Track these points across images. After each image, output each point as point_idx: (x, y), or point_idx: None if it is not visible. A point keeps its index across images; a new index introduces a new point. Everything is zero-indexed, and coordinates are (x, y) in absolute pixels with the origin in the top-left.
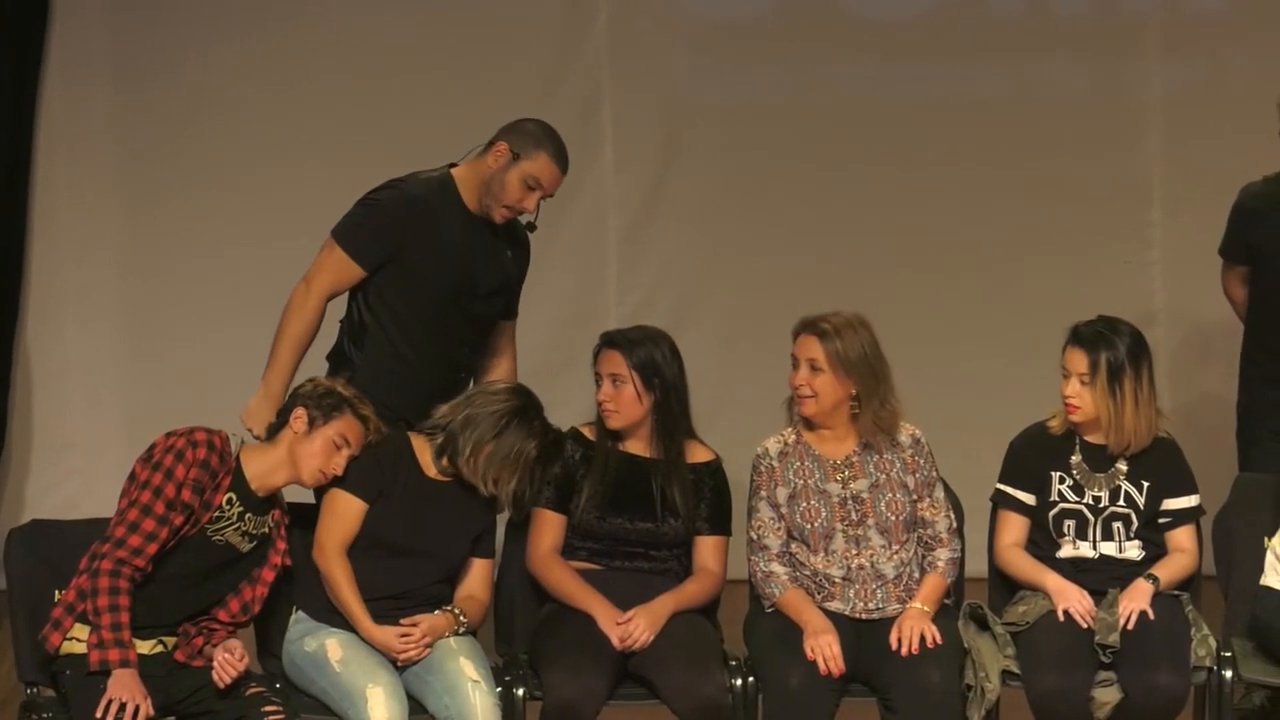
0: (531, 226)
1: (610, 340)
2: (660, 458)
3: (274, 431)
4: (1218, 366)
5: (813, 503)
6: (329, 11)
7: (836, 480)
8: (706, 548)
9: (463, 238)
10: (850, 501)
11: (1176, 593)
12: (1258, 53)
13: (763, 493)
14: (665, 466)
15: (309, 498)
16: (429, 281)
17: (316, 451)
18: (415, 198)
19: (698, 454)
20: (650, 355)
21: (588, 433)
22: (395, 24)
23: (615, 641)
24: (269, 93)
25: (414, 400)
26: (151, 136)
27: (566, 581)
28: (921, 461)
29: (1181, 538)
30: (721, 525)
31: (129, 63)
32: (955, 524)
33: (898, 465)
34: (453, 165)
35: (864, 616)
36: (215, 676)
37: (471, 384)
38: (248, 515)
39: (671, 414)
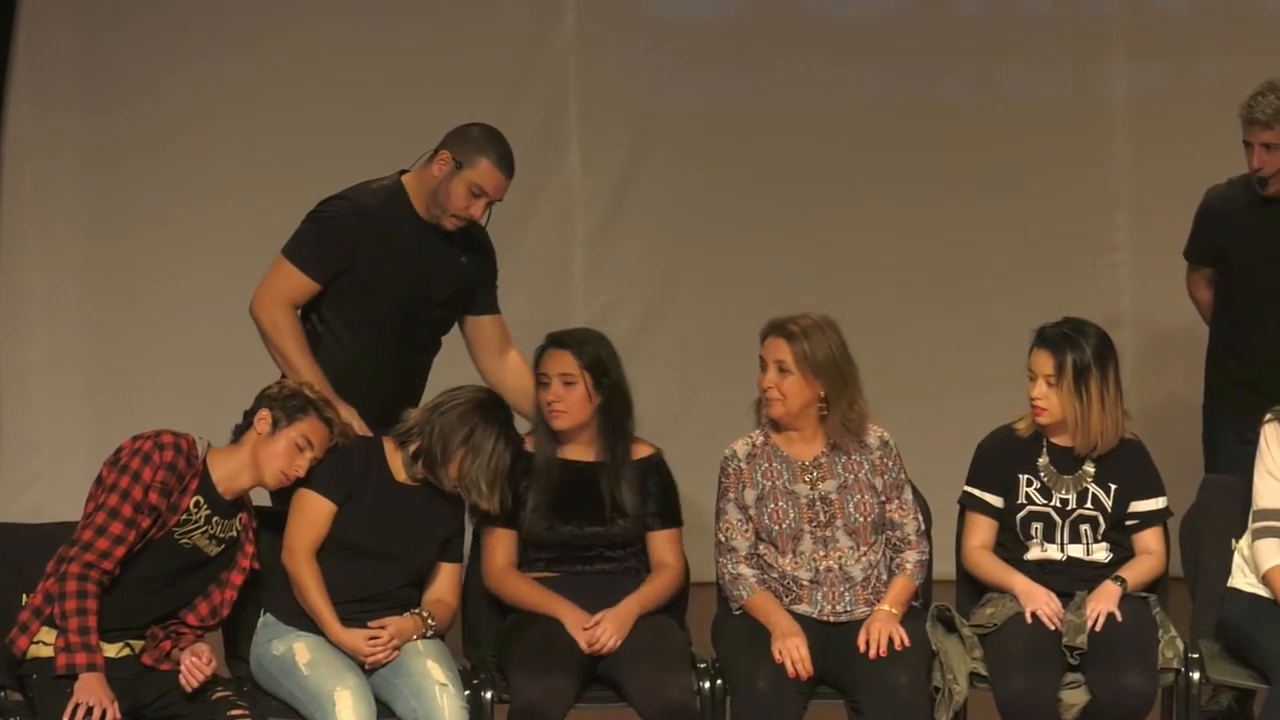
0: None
1: (559, 340)
2: (605, 459)
3: (239, 433)
4: (1183, 369)
5: (781, 504)
6: (294, 22)
7: (805, 481)
8: (661, 542)
9: (415, 246)
10: (819, 503)
11: (1144, 594)
12: (1222, 55)
13: (730, 494)
14: (610, 468)
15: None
16: (383, 291)
17: (279, 453)
18: (366, 208)
19: (638, 451)
20: (598, 354)
21: (526, 444)
22: (362, 30)
23: (583, 645)
24: (236, 99)
25: (367, 409)
26: (118, 145)
27: (527, 592)
28: (890, 463)
29: (1149, 540)
30: (672, 518)
31: (95, 74)
32: (924, 526)
33: (866, 467)
34: (404, 171)
35: (832, 619)
36: (182, 680)
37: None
38: (215, 519)
39: (617, 415)
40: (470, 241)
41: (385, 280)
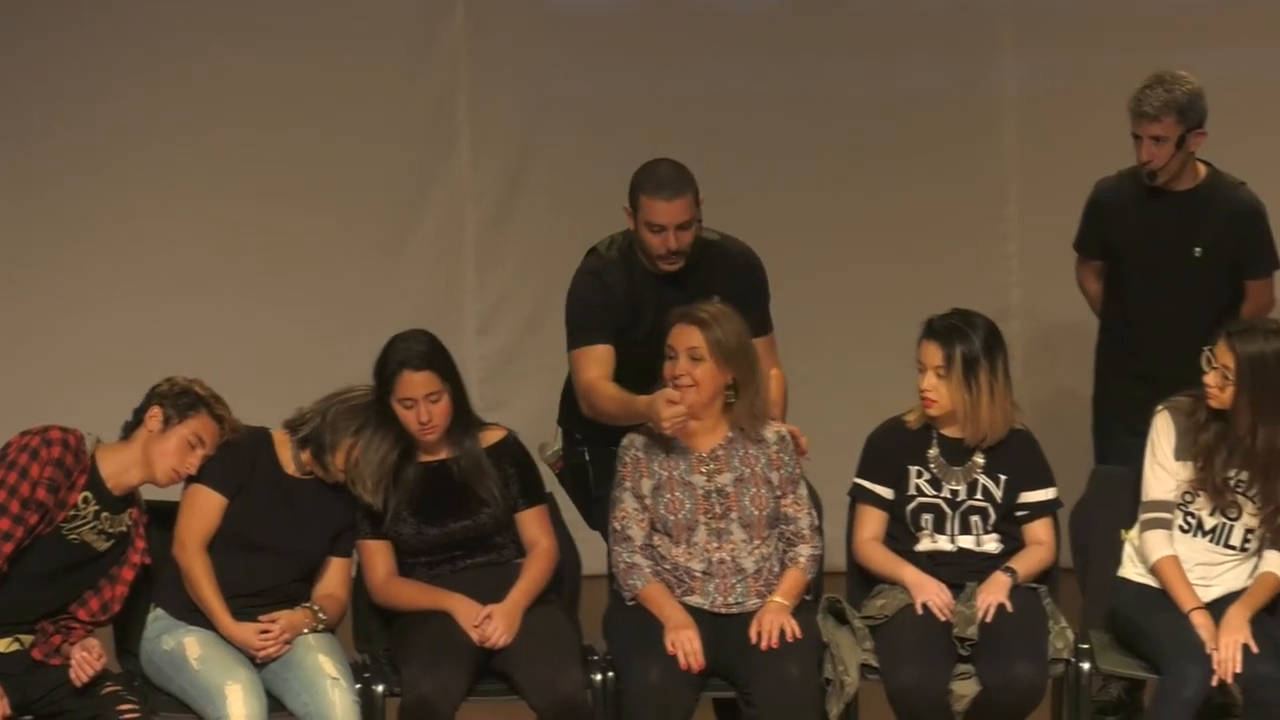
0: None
1: (428, 361)
2: (457, 454)
3: (129, 430)
4: (1072, 360)
5: (677, 494)
6: (180, 9)
7: (701, 473)
8: (530, 521)
9: (645, 299)
10: (714, 495)
11: (1034, 585)
12: (1112, 49)
13: (627, 483)
14: (462, 461)
15: (166, 496)
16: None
17: (170, 450)
18: (607, 276)
19: (488, 437)
20: (446, 359)
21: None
22: (251, 21)
23: (475, 639)
24: (133, 105)
25: None
26: (14, 134)
27: (414, 594)
28: (786, 458)
29: (1039, 530)
30: (536, 495)
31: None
32: (817, 521)
33: (763, 461)
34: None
35: (723, 611)
36: (73, 674)
37: None
38: (104, 514)
39: (462, 409)
40: (716, 274)
41: (626, 337)
